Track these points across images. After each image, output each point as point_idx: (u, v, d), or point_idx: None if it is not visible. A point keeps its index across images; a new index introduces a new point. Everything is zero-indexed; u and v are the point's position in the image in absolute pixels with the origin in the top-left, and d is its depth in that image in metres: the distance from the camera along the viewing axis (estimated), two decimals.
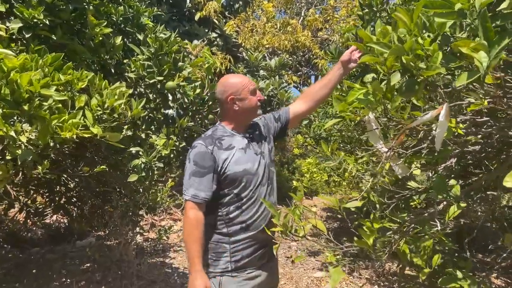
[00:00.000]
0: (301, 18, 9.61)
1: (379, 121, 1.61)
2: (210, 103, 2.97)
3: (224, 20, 8.04)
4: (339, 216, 7.55)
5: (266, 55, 8.68)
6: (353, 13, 9.08)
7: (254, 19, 8.43)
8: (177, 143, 2.67)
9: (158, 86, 2.68)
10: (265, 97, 1.99)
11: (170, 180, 5.07)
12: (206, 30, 7.76)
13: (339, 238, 5.85)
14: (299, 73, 11.05)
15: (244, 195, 1.73)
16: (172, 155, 2.72)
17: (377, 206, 1.65)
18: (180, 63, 2.76)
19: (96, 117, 2.28)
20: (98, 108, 2.23)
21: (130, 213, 3.90)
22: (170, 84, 2.66)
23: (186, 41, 3.75)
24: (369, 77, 1.32)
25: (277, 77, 7.03)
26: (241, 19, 7.91)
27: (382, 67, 1.29)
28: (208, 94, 2.95)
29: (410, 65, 1.18)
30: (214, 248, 1.74)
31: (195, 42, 5.16)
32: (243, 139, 1.80)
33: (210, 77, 2.89)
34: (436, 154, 1.40)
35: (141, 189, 3.61)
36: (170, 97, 2.78)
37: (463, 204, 1.50)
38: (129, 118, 2.30)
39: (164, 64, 2.68)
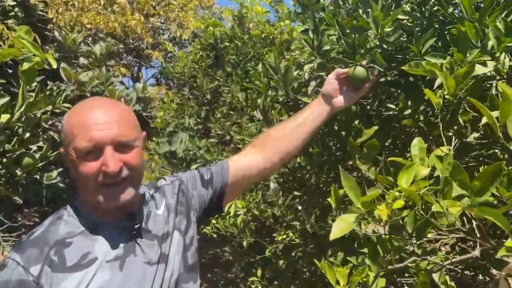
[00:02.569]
0: None
1: None
2: (27, 135, 1.52)
3: None
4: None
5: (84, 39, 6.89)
6: (190, 1, 8.08)
7: None
8: None
9: None
10: (114, 170, 0.74)
11: None
12: None
13: (212, 267, 4.79)
14: (122, 61, 9.40)
15: None
16: None
17: None
18: None
19: None
20: None
21: None
22: None
23: None
24: None
25: (103, 68, 5.58)
26: None
27: None
28: (23, 118, 1.50)
29: None
30: None
31: None
32: (119, 234, 0.89)
33: (33, 84, 1.45)
34: None
35: None
36: None
37: None
38: None
39: None
